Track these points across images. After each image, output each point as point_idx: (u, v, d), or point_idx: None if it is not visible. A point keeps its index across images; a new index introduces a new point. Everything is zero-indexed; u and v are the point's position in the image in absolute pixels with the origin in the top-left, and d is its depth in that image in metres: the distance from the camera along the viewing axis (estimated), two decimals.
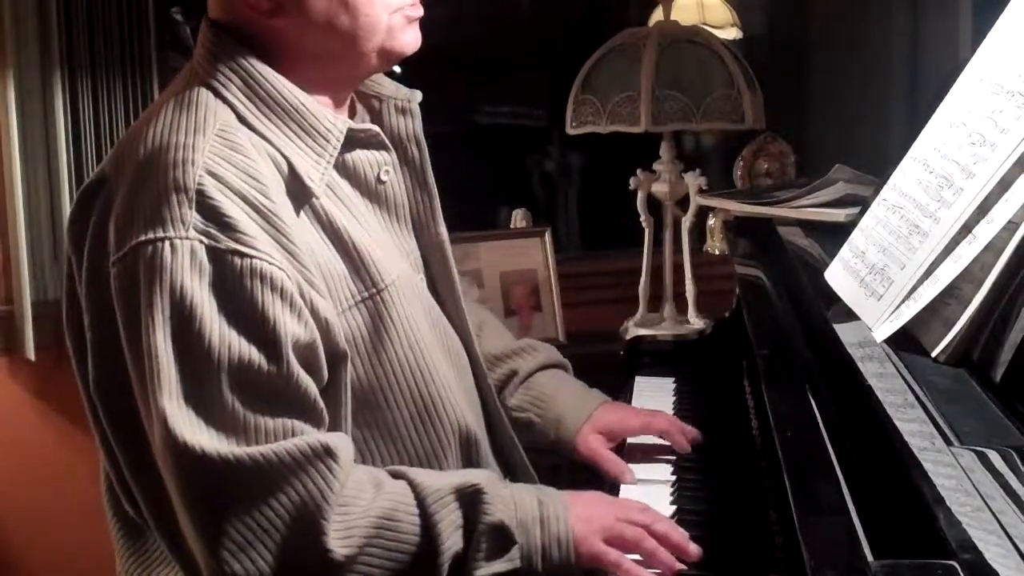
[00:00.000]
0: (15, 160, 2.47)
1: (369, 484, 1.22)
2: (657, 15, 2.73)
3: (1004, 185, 1.13)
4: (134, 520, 1.34)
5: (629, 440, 1.62)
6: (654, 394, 1.81)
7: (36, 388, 2.60)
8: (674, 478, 1.53)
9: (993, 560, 0.77)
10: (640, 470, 1.54)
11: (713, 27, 2.91)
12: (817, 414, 1.18)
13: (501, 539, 1.23)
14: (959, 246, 1.16)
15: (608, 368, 1.93)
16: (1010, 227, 1.11)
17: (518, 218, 2.78)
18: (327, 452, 1.17)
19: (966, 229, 1.16)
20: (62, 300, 1.34)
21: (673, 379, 1.89)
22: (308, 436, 1.17)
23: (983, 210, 1.15)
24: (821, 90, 3.38)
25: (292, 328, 1.18)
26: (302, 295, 1.20)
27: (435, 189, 1.44)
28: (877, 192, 1.36)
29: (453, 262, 1.46)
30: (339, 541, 1.16)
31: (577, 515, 1.26)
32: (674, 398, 1.81)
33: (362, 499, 1.20)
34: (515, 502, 1.25)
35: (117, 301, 1.19)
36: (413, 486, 1.23)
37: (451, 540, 1.21)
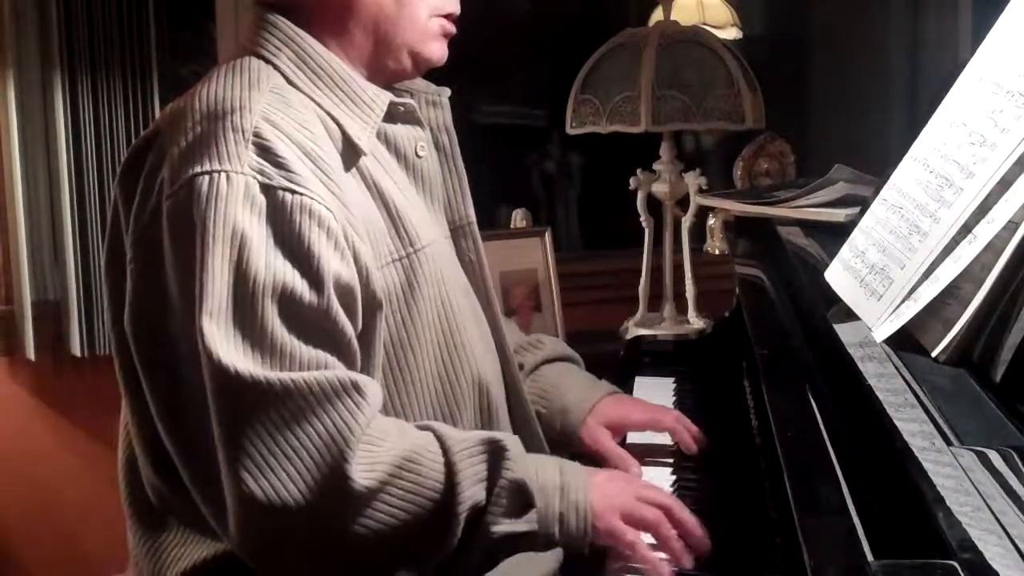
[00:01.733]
0: (15, 160, 2.47)
1: (395, 428, 1.25)
2: (657, 15, 2.73)
3: (1004, 185, 1.13)
4: (150, 505, 1.35)
5: (629, 439, 1.62)
6: (654, 394, 1.81)
7: (36, 388, 2.60)
8: (674, 478, 1.53)
9: (993, 560, 0.77)
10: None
11: (713, 27, 2.90)
12: (817, 414, 1.18)
13: (520, 499, 1.24)
14: (959, 246, 1.16)
15: (608, 368, 1.93)
16: (1010, 227, 1.11)
17: (518, 218, 2.78)
18: (356, 388, 1.20)
19: (966, 229, 1.16)
20: (103, 255, 1.37)
21: (673, 379, 1.89)
22: (339, 371, 1.21)
23: (983, 210, 1.15)
24: (821, 90, 3.38)
25: (335, 265, 1.22)
26: (346, 237, 1.24)
27: (464, 174, 1.50)
28: (877, 192, 1.36)
29: (482, 246, 1.50)
30: (362, 473, 1.18)
31: (597, 489, 1.28)
32: (674, 398, 1.81)
33: (388, 439, 1.22)
34: (536, 467, 1.27)
35: (168, 230, 1.22)
36: (438, 435, 1.26)
37: (471, 491, 1.22)
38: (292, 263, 1.20)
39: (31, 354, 2.53)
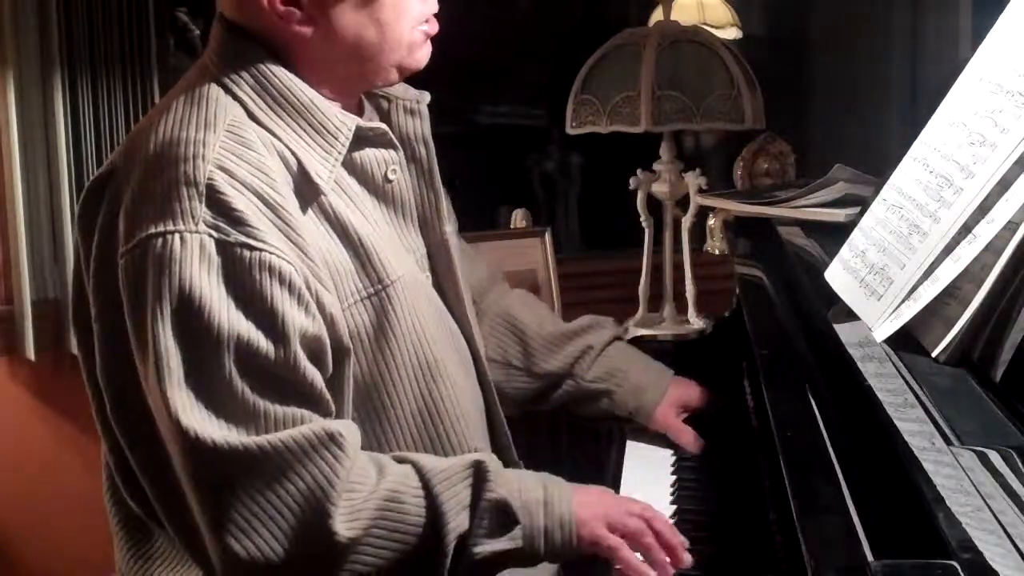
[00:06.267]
0: (15, 160, 2.47)
1: (373, 468, 1.23)
2: (657, 15, 2.73)
3: (1004, 185, 1.13)
4: (136, 517, 1.35)
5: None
6: None
7: (36, 388, 2.60)
8: (674, 478, 1.53)
9: (993, 560, 0.77)
10: (639, 470, 1.54)
11: (713, 27, 2.90)
12: (817, 414, 1.18)
13: (503, 517, 1.24)
14: (959, 246, 1.16)
15: None
16: (1010, 227, 1.11)
17: (518, 218, 2.78)
18: (332, 439, 1.19)
19: (966, 229, 1.16)
20: (70, 292, 1.35)
21: None
22: (314, 424, 1.19)
23: (983, 210, 1.15)
24: (821, 90, 3.38)
25: (299, 320, 1.20)
26: (308, 288, 1.22)
27: (441, 188, 1.45)
28: (877, 192, 1.36)
29: (457, 261, 1.47)
30: (344, 524, 1.18)
31: (580, 501, 1.28)
32: None
33: (367, 483, 1.21)
34: (519, 484, 1.27)
35: (125, 292, 1.21)
36: (417, 468, 1.25)
37: (456, 520, 1.22)
38: (254, 322, 1.17)
39: (31, 354, 2.53)
